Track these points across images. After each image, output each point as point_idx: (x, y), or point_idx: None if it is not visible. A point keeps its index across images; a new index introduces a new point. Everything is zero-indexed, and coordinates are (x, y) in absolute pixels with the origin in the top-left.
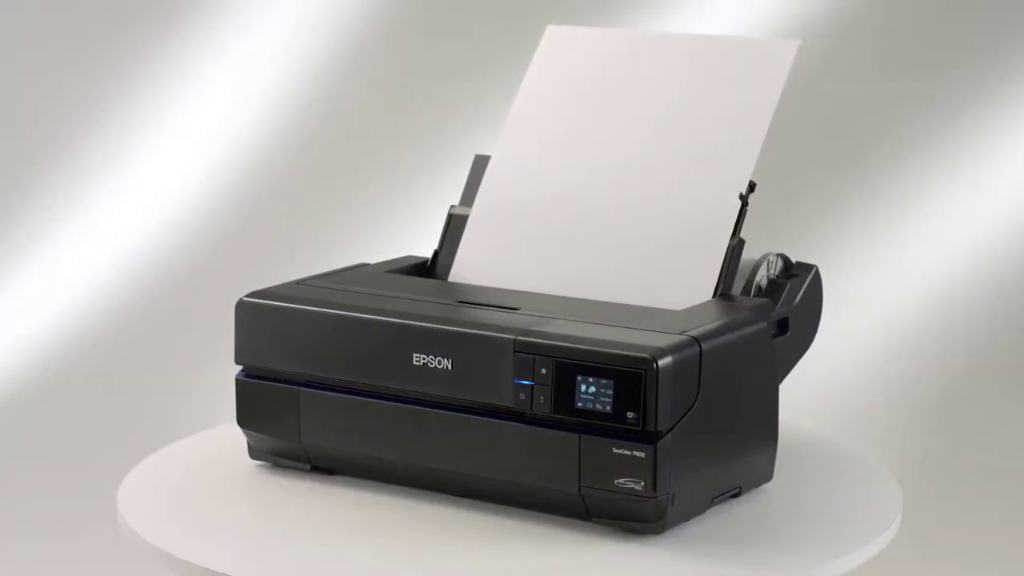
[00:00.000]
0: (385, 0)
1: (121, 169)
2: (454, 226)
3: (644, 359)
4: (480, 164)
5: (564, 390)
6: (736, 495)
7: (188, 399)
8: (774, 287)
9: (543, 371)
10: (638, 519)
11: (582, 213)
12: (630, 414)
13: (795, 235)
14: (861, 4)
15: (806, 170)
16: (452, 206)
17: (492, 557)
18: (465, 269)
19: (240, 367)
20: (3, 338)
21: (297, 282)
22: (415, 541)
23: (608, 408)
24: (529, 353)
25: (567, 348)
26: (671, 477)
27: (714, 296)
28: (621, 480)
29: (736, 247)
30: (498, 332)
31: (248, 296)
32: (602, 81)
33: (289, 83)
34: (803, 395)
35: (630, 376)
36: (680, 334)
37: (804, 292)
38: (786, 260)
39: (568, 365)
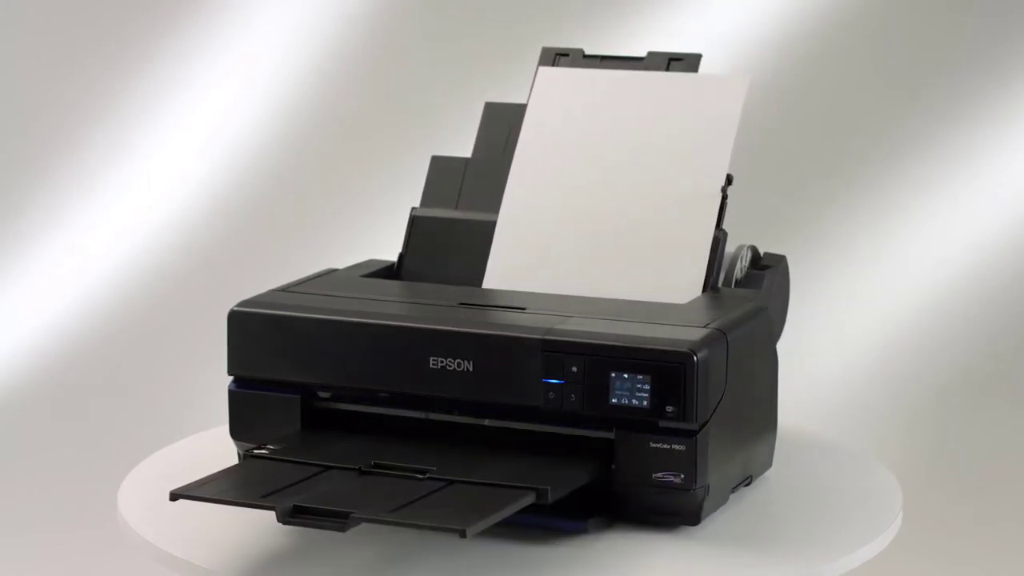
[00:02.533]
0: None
1: (120, 170)
2: (417, 228)
3: (685, 353)
4: (439, 165)
5: (597, 387)
6: (748, 484)
7: (189, 399)
8: (752, 278)
9: (574, 369)
10: (675, 512)
11: (563, 213)
12: (670, 408)
13: (795, 235)
14: (859, 4)
15: (807, 170)
16: (414, 208)
17: (515, 556)
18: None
19: (231, 378)
20: (3, 338)
21: (281, 289)
22: (430, 543)
23: (645, 403)
24: (558, 352)
25: (600, 345)
26: (707, 469)
27: (704, 287)
28: (659, 474)
29: (720, 239)
30: (523, 332)
31: (240, 306)
32: (568, 88)
33: (264, 88)
34: (804, 395)
35: (670, 370)
36: (705, 327)
37: (778, 282)
38: (754, 251)
39: (601, 362)
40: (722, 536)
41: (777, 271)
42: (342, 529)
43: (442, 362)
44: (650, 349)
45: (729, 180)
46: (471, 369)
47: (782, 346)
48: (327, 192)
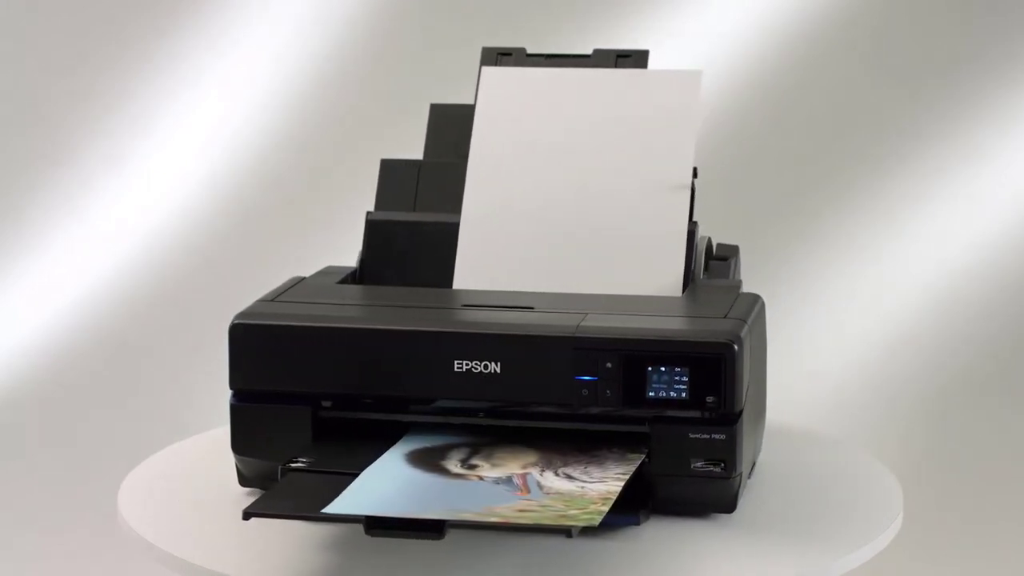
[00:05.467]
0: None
1: (120, 170)
2: (375, 232)
3: (725, 344)
4: (389, 168)
5: (633, 382)
6: (753, 469)
7: (189, 399)
8: (716, 269)
9: (608, 365)
10: (712, 501)
11: (529, 211)
12: (710, 398)
13: (796, 235)
14: (859, 6)
15: (807, 170)
16: (369, 212)
17: (574, 553)
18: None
19: (231, 393)
20: (3, 338)
21: (271, 300)
22: (474, 546)
23: (683, 395)
24: (592, 349)
25: (637, 340)
26: (743, 456)
27: (685, 279)
28: (698, 464)
29: (693, 230)
30: (553, 331)
31: (242, 319)
32: (524, 90)
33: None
34: (804, 394)
35: (711, 361)
36: (726, 318)
37: (736, 271)
38: (708, 242)
39: (637, 357)
40: (715, 537)
41: (737, 261)
42: (438, 537)
43: (468, 365)
44: (690, 341)
45: (694, 173)
46: (499, 370)
47: (782, 346)
48: (326, 193)
